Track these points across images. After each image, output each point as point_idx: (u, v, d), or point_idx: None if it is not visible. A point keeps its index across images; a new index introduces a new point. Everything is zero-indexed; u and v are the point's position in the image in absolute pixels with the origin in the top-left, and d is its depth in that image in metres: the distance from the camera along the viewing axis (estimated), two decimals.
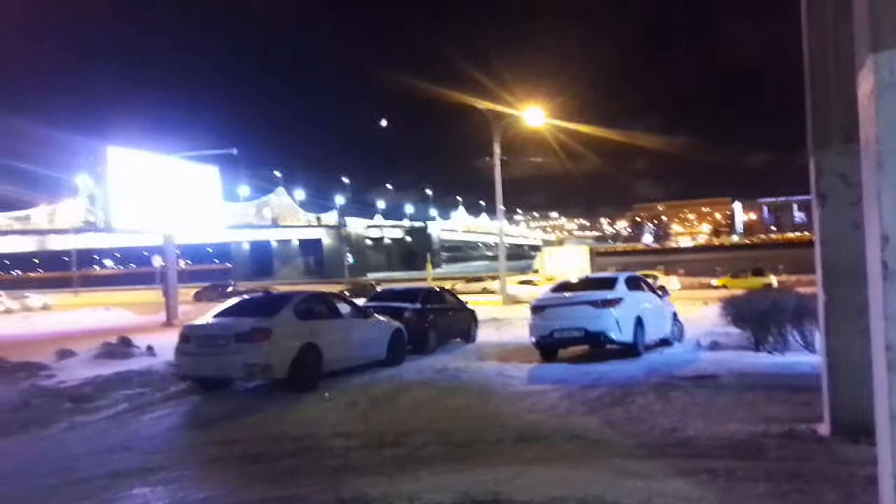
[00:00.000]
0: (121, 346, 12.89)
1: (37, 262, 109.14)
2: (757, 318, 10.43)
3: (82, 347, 13.00)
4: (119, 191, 22.71)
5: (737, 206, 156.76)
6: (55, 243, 77.96)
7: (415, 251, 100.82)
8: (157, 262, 28.96)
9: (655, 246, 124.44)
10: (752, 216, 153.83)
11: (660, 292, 13.20)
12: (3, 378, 9.55)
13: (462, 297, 16.77)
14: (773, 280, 36.30)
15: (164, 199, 23.70)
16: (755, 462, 4.66)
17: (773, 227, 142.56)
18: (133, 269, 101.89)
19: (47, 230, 76.90)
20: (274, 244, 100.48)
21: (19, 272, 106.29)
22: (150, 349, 12.70)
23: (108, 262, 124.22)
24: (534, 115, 32.29)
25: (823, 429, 5.16)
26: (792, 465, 4.51)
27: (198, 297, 38.32)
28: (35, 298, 42.11)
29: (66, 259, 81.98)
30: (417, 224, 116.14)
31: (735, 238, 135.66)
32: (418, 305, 12.60)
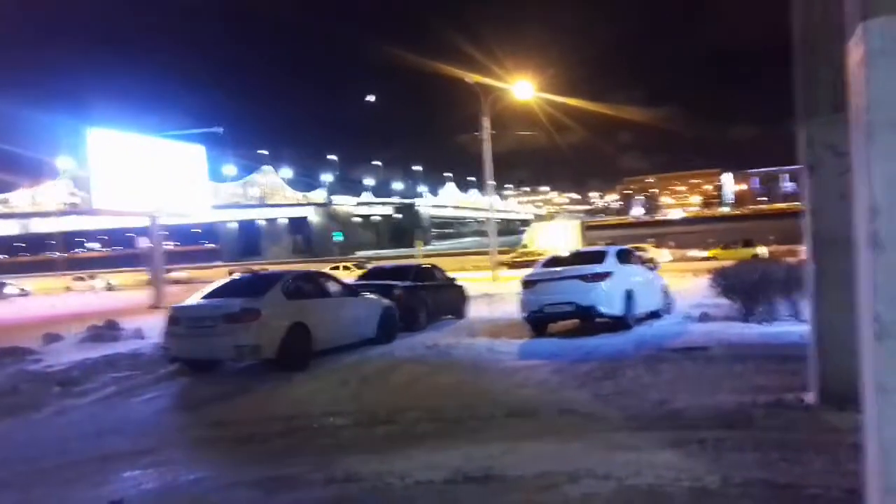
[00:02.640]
0: (108, 329, 12.82)
1: (23, 245, 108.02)
2: (746, 289, 10.49)
3: (69, 331, 12.93)
4: (102, 172, 22.42)
5: (727, 177, 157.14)
6: (39, 226, 77.12)
7: (404, 228, 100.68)
8: (143, 243, 28.61)
9: (646, 218, 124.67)
10: (743, 187, 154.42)
11: (650, 265, 13.24)
12: None
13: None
14: (764, 251, 36.53)
15: (148, 179, 23.42)
16: (743, 431, 4.71)
17: (763, 198, 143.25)
18: (119, 251, 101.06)
19: (30, 213, 76.00)
20: (261, 223, 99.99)
21: (4, 256, 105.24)
22: (137, 332, 12.64)
23: (94, 245, 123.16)
24: (523, 88, 32.05)
25: (811, 398, 5.22)
26: (779, 434, 4.56)
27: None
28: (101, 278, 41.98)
29: (52, 242, 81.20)
30: (406, 201, 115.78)
31: (725, 209, 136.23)
32: (409, 283, 12.58)
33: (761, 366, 6.72)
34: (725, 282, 10.97)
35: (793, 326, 9.02)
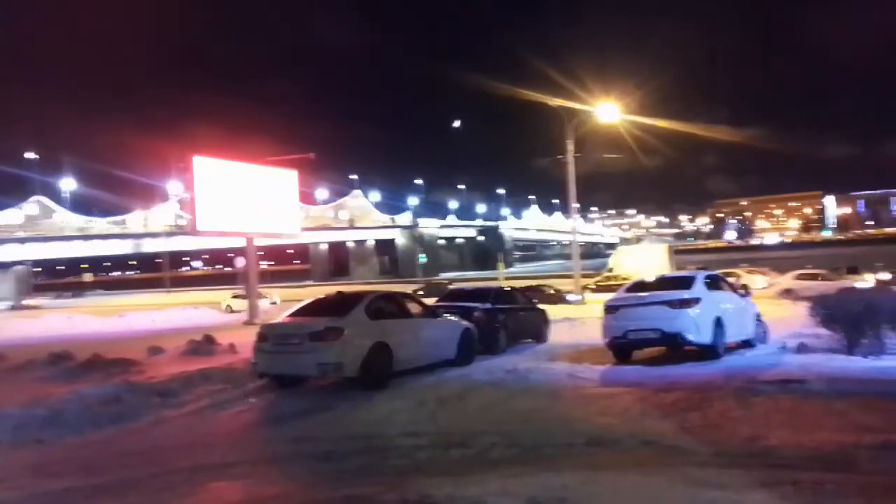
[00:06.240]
0: (205, 344, 13.46)
1: (133, 263, 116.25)
2: (850, 319, 9.76)
3: (170, 345, 13.69)
4: (205, 196, 23.85)
5: (829, 199, 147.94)
6: (149, 246, 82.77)
7: (487, 250, 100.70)
8: (239, 263, 30.09)
9: (739, 243, 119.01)
10: (847, 210, 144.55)
11: (742, 291, 12.58)
12: (98, 374, 10.19)
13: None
14: (871, 279, 33.89)
15: (245, 202, 24.72)
16: (846, 475, 4.34)
17: (870, 222, 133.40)
18: (219, 270, 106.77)
19: (142, 234, 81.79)
20: (350, 245, 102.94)
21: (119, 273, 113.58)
22: (231, 347, 13.21)
23: (198, 264, 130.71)
24: (607, 110, 31.54)
25: None
26: (886, 479, 4.18)
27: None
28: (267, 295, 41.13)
29: (159, 261, 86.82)
30: (489, 223, 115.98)
31: (827, 233, 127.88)
32: (488, 305, 12.52)
33: (866, 403, 6.21)
34: (826, 310, 10.24)
35: None
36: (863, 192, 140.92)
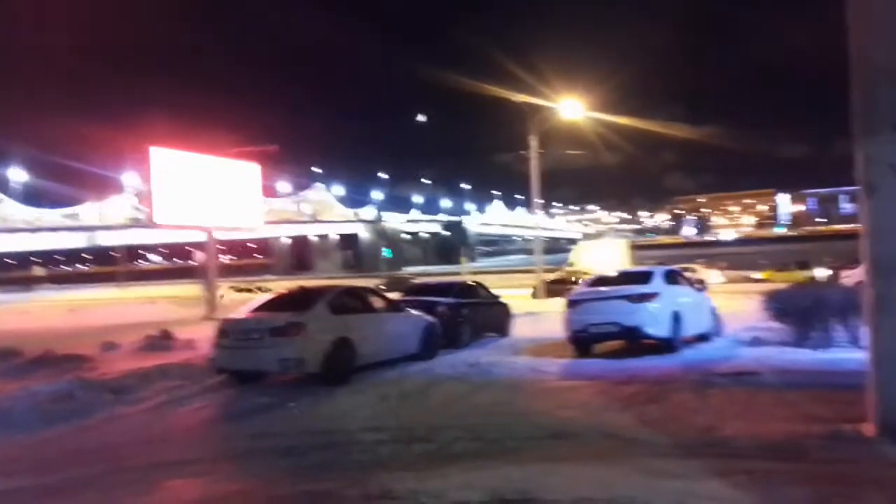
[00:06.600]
0: (162, 340, 13.18)
1: (89, 257, 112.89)
2: (800, 313, 10.09)
3: (126, 340, 13.35)
4: (162, 188, 23.25)
5: (782, 197, 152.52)
6: (104, 239, 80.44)
7: (451, 245, 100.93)
8: (199, 257, 29.51)
9: (696, 239, 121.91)
10: (800, 208, 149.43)
11: (698, 286, 12.89)
12: (48, 370, 9.84)
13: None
14: (821, 273, 35.11)
15: (205, 195, 24.19)
16: (796, 464, 4.50)
17: (821, 219, 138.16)
18: (178, 265, 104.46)
19: (96, 226, 79.40)
20: (313, 239, 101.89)
21: (72, 266, 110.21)
22: (189, 342, 12.96)
23: (155, 258, 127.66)
24: (570, 107, 31.87)
25: (869, 429, 4.95)
26: (835, 468, 4.34)
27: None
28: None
29: (115, 254, 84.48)
30: (454, 219, 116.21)
31: (780, 230, 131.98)
32: (451, 300, 12.55)
33: (816, 394, 6.43)
34: (778, 305, 10.57)
35: (850, 353, 8.61)
36: (814, 191, 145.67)
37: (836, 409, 5.77)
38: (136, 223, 73.76)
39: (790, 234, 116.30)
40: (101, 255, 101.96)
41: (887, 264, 4.78)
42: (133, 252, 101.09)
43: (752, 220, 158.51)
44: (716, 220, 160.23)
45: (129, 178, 71.78)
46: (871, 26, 4.90)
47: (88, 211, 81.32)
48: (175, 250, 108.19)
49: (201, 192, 24.05)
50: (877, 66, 4.86)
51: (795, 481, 4.08)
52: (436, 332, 10.98)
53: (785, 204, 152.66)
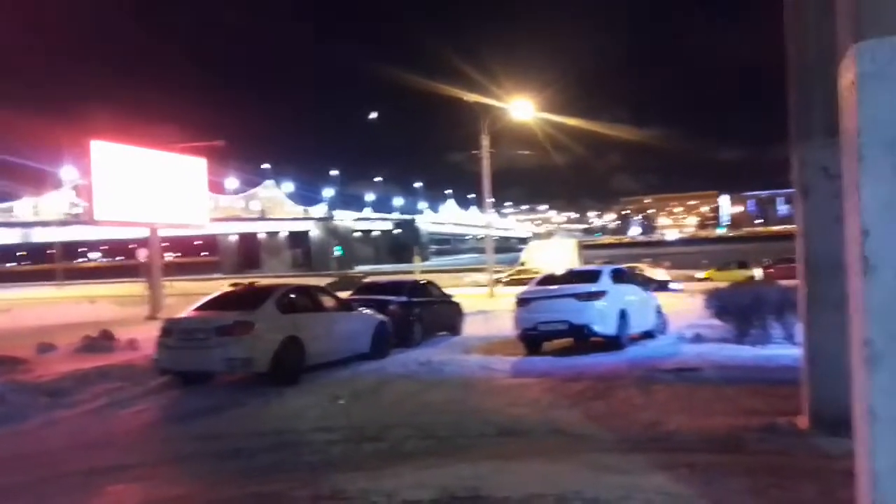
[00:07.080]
0: (102, 340, 12.71)
1: (23, 254, 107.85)
2: (740, 311, 10.47)
3: (63, 341, 12.81)
4: (104, 183, 22.40)
5: (724, 199, 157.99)
6: (40, 236, 77.01)
7: (403, 244, 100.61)
8: (142, 255, 28.56)
9: (642, 238, 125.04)
10: (740, 209, 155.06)
11: (647, 285, 13.22)
12: None
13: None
14: (758, 273, 36.50)
15: (149, 191, 23.42)
16: (735, 456, 4.66)
17: (759, 220, 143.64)
18: (120, 262, 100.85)
19: (32, 223, 75.95)
20: (262, 237, 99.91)
21: (5, 265, 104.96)
22: (131, 343, 12.54)
23: (95, 255, 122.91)
24: (521, 107, 32.19)
25: (803, 422, 5.17)
26: (771, 459, 4.51)
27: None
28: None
29: (52, 252, 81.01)
30: (406, 217, 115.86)
31: (721, 230, 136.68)
32: (403, 298, 12.52)
33: (754, 389, 6.68)
34: (719, 303, 10.95)
35: (786, 349, 8.98)
36: (753, 193, 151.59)
37: (772, 403, 6.01)
38: (74, 219, 70.88)
39: (731, 234, 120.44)
40: (38, 253, 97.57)
41: (820, 264, 4.98)
42: (72, 249, 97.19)
43: (696, 220, 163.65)
44: (661, 220, 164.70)
45: (68, 172, 68.83)
46: (806, 28, 5.08)
47: (23, 206, 77.73)
48: (117, 247, 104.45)
49: (144, 187, 23.28)
50: (810, 69, 5.05)
51: (734, 473, 4.23)
52: (387, 331, 10.93)
53: (726, 205, 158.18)
